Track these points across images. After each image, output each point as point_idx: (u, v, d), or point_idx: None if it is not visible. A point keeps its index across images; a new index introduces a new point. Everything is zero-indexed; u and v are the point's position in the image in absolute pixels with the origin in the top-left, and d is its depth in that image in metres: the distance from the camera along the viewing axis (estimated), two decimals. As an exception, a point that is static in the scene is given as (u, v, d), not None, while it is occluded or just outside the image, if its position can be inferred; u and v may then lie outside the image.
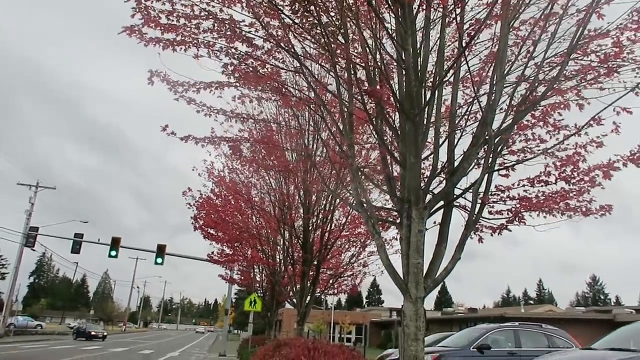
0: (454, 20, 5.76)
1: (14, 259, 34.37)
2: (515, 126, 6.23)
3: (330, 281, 17.70)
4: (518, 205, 6.56)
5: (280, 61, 7.28)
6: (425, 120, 6.13)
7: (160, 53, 6.62)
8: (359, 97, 6.50)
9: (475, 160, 6.26)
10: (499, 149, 6.26)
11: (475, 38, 6.27)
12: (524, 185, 6.56)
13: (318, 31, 6.26)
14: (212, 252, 19.71)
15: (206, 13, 6.44)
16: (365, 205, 6.42)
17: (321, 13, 5.81)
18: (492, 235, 6.70)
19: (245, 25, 6.74)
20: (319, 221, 13.38)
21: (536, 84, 6.14)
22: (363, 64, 6.58)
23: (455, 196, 6.27)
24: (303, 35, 6.65)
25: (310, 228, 13.41)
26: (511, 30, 6.34)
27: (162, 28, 6.47)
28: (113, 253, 27.23)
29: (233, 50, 6.92)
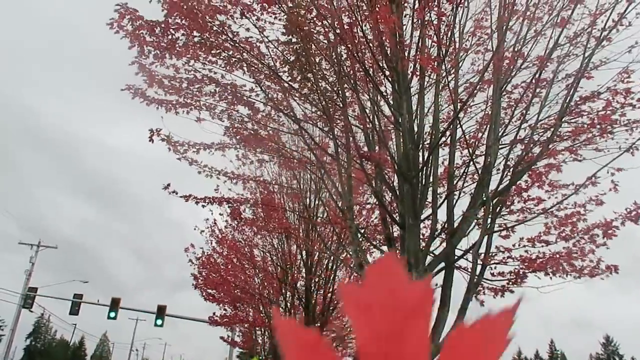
0: (447, 86, 5.94)
1: (10, 321, 33.67)
2: (513, 187, 6.26)
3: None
4: (521, 266, 6.48)
5: (280, 124, 7.46)
6: (424, 181, 6.19)
7: (162, 116, 6.82)
8: (358, 160, 6.60)
9: (475, 221, 6.26)
10: (498, 209, 6.27)
11: (470, 102, 6.44)
12: (524, 246, 6.51)
13: (316, 96, 6.46)
14: (214, 313, 19.30)
15: (208, 79, 6.68)
16: (365, 267, 6.34)
17: (319, 80, 6.01)
18: (494, 297, 6.57)
19: (246, 90, 6.97)
20: (321, 281, 13.19)
21: (531, 146, 6.23)
22: (361, 127, 6.74)
23: (455, 258, 6.21)
24: (302, 98, 6.86)
25: (312, 289, 13.19)
26: (504, 94, 6.52)
27: (165, 90, 6.69)
28: (112, 314, 26.68)
29: (234, 112, 7.12)
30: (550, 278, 6.40)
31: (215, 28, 6.39)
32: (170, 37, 6.16)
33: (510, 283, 6.42)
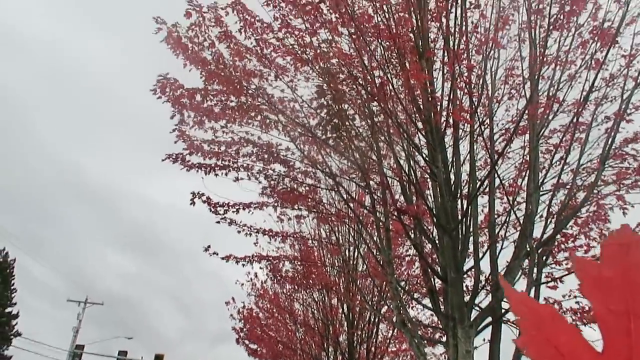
0: (482, 135, 5.91)
1: (59, 379, 34.06)
2: (559, 235, 6.05)
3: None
4: (573, 318, 6.15)
5: (317, 179, 7.56)
6: (464, 232, 6.07)
7: (203, 177, 7.04)
8: (395, 212, 6.56)
9: (520, 272, 6.03)
10: (544, 259, 6.04)
11: (506, 150, 6.36)
12: (576, 297, 6.20)
13: (351, 151, 6.54)
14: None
15: (245, 140, 6.90)
16: (408, 324, 6.18)
17: (353, 137, 6.11)
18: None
19: (282, 149, 7.14)
20: (364, 335, 12.84)
21: (574, 191, 6.05)
22: (397, 178, 6.73)
23: (503, 311, 5.96)
24: (337, 155, 6.96)
25: (355, 343, 12.84)
26: (541, 139, 6.42)
27: (204, 154, 6.94)
28: (156, 371, 26.64)
29: (271, 171, 7.28)
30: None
31: (251, 91, 6.65)
32: (209, 102, 6.44)
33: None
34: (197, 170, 6.94)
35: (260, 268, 16.20)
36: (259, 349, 16.51)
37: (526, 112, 5.58)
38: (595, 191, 6.00)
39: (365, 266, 10.40)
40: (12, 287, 42.12)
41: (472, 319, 5.61)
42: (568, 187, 6.10)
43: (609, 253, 0.38)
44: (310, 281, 11.61)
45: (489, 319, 5.82)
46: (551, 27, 6.04)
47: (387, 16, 6.05)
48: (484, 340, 6.06)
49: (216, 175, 7.00)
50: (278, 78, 6.56)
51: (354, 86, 6.10)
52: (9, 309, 41.19)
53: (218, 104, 6.51)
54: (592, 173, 6.17)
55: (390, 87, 5.85)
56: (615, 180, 6.06)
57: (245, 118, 6.64)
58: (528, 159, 6.26)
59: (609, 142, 5.76)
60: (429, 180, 6.78)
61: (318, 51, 6.06)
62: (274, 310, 16.06)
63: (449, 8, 5.96)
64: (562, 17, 6.14)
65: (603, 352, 0.36)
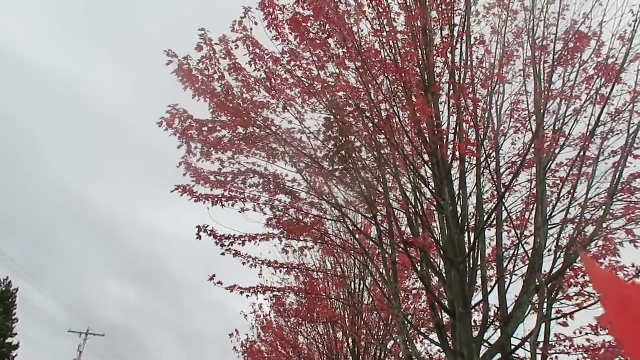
0: (489, 168, 5.92)
1: (57, 413, 33.35)
2: (568, 270, 5.97)
3: None
4: (584, 356, 6.00)
5: (322, 211, 7.54)
6: (471, 265, 6.00)
7: (209, 208, 7.05)
8: (402, 244, 6.51)
9: (530, 307, 5.93)
10: (554, 295, 5.94)
11: (513, 183, 6.35)
12: (587, 334, 6.06)
13: (357, 183, 6.55)
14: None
15: (252, 172, 6.93)
16: (414, 359, 6.05)
17: (359, 169, 6.13)
18: (559, 391, 6.05)
19: (289, 180, 7.17)
20: (369, 370, 12.55)
21: (583, 225, 6.00)
22: (403, 210, 6.71)
23: (512, 348, 5.83)
24: (343, 186, 6.97)
25: (360, 378, 12.54)
26: (548, 173, 6.42)
27: (211, 185, 6.97)
28: (156, 406, 25.96)
29: (277, 202, 7.28)
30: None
31: (259, 122, 6.73)
32: (217, 134, 6.52)
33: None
34: (204, 202, 6.95)
35: (265, 300, 16.03)
36: (262, 385, 16.14)
37: (532, 145, 5.60)
38: (604, 225, 5.95)
39: (371, 299, 10.26)
40: (13, 317, 41.73)
41: (481, 356, 5.49)
42: (577, 221, 6.05)
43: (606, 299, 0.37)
44: (315, 314, 11.44)
45: (499, 356, 5.69)
46: (556, 62, 6.13)
47: (393, 51, 6.17)
48: (494, 378, 5.90)
49: (223, 206, 7.01)
50: (286, 110, 6.64)
51: (361, 118, 6.16)
52: (9, 340, 40.70)
53: (226, 136, 6.58)
54: (600, 207, 6.13)
55: (397, 120, 5.90)
56: (624, 214, 6.02)
57: (253, 149, 6.70)
58: (535, 192, 6.24)
59: (617, 177, 5.75)
60: (435, 213, 6.76)
61: (325, 84, 6.15)
62: (278, 343, 15.79)
63: (455, 44, 6.07)
64: (566, 54, 6.23)
65: None
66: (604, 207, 5.90)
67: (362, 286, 11.33)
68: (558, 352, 6.06)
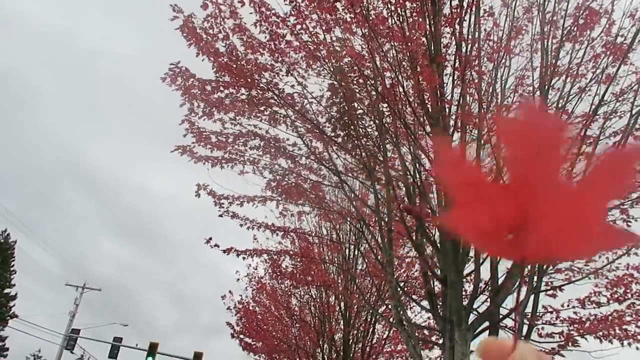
0: (490, 142, 5.94)
1: (52, 362, 34.16)
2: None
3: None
4: (570, 329, 6.19)
5: (321, 176, 7.60)
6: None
7: (208, 169, 7.09)
8: (398, 212, 6.60)
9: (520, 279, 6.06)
10: (545, 267, 6.07)
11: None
12: (574, 307, 6.23)
13: (358, 150, 6.59)
14: (250, 363, 19.08)
15: (253, 134, 6.95)
16: (405, 324, 6.23)
17: (361, 136, 6.15)
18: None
19: (289, 144, 7.19)
20: (359, 334, 12.89)
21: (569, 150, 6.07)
22: (402, 180, 6.78)
23: (500, 317, 6.00)
24: (344, 152, 7.01)
25: (350, 342, 12.89)
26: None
27: (212, 146, 6.99)
28: (150, 359, 26.68)
29: (277, 166, 7.33)
30: (600, 342, 6.08)
31: (262, 85, 6.71)
32: (219, 94, 6.49)
33: (560, 347, 6.12)
34: (204, 163, 6.99)
35: (261, 262, 16.26)
36: (254, 343, 16.56)
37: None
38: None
39: (365, 265, 10.46)
40: (11, 269, 42.34)
41: (469, 323, 5.66)
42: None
43: (524, 115, 0.48)
44: (309, 278, 11.66)
45: (487, 324, 5.87)
46: (564, 38, 6.07)
47: (401, 19, 6.10)
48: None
49: (222, 167, 7.05)
50: (289, 73, 6.60)
51: (365, 86, 6.15)
52: (7, 290, 41.41)
53: (228, 96, 6.56)
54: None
55: (401, 89, 5.89)
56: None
57: (255, 111, 6.70)
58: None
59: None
60: (433, 183, 6.82)
61: (331, 49, 6.11)
62: (271, 305, 16.13)
63: (463, 15, 6.00)
64: (575, 30, 6.17)
65: (504, 187, 0.46)
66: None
67: (356, 252, 11.52)
68: (544, 322, 6.25)
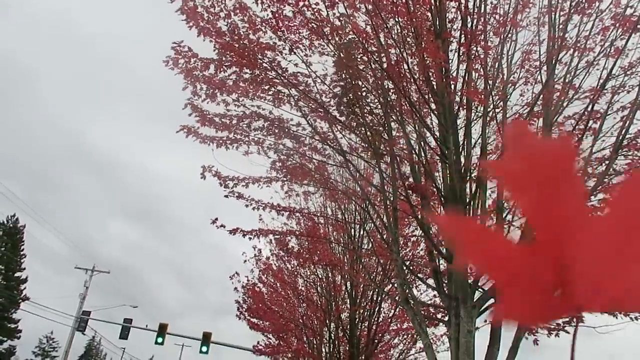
0: (495, 119, 5.88)
1: (64, 343, 34.82)
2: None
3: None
4: (576, 305, 6.19)
5: (326, 156, 7.57)
6: (471, 214, 6.08)
7: (213, 150, 7.08)
8: (403, 191, 6.58)
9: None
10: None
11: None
12: (580, 283, 6.22)
13: (363, 129, 6.54)
14: (258, 342, 19.34)
15: (257, 115, 6.91)
16: (411, 301, 6.26)
17: (366, 114, 6.10)
18: (548, 336, 6.29)
19: (293, 124, 7.15)
20: (366, 313, 13.01)
21: (585, 179, 6.02)
22: (407, 159, 6.74)
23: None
24: (348, 131, 6.96)
25: (357, 320, 13.02)
26: (555, 126, 6.37)
27: (216, 127, 6.96)
28: (160, 340, 27.07)
29: (281, 146, 7.30)
30: (607, 316, 6.09)
31: (265, 64, 6.64)
32: (222, 74, 6.44)
33: (565, 322, 6.13)
34: (209, 143, 6.96)
35: (266, 243, 16.34)
36: (261, 323, 16.77)
37: (541, 96, 5.54)
38: (605, 180, 5.97)
39: (370, 244, 10.48)
40: (21, 253, 42.88)
41: (475, 300, 5.67)
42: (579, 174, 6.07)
43: (510, 146, 0.41)
44: (315, 257, 11.72)
45: (492, 301, 5.87)
46: (572, 10, 5.95)
47: (405, -6, 5.98)
48: (486, 321, 6.12)
49: (227, 148, 7.03)
50: (292, 52, 6.52)
51: (369, 63, 6.07)
52: (18, 274, 42.02)
53: (231, 76, 6.50)
54: (603, 162, 6.14)
55: (405, 66, 5.81)
56: (627, 169, 6.03)
57: (258, 91, 6.64)
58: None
59: (623, 132, 5.72)
60: (438, 162, 6.78)
61: (334, 26, 6.02)
62: (278, 285, 16.27)
63: (469, -12, 5.88)
64: (584, 1, 6.04)
65: (534, 245, 0.39)
66: (607, 162, 5.91)
67: (362, 232, 11.55)
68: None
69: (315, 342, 16.60)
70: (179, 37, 6.51)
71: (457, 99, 5.80)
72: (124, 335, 28.87)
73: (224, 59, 6.36)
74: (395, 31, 6.06)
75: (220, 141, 6.84)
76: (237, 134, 6.90)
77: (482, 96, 5.34)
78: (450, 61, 6.12)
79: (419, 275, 7.43)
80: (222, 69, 6.34)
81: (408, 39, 5.95)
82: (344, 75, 6.24)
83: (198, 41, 6.47)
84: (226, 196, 7.34)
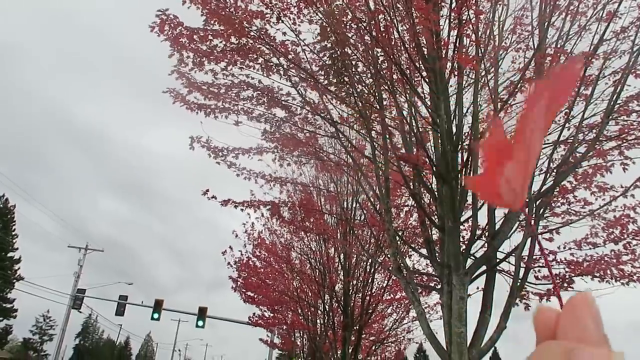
0: (487, 85, 5.81)
1: (61, 321, 35.03)
2: (557, 188, 6.06)
3: (373, 347, 17.06)
4: (566, 270, 6.26)
5: (317, 127, 7.49)
6: (463, 182, 6.07)
7: (202, 121, 6.97)
8: (395, 162, 6.54)
9: (518, 223, 6.08)
10: (541, 211, 6.08)
11: (510, 101, 6.27)
12: (570, 249, 6.28)
13: (353, 99, 6.45)
14: (253, 314, 19.55)
15: (245, 84, 6.78)
16: (404, 270, 6.28)
17: (355, 84, 6.00)
18: (540, 302, 6.36)
19: (283, 94, 7.04)
20: (359, 284, 13.14)
21: (576, 145, 6.02)
22: (398, 129, 6.68)
23: (497, 261, 6.06)
24: (339, 101, 6.87)
25: (350, 292, 13.15)
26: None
27: (205, 95, 6.83)
28: (156, 315, 27.29)
29: (271, 116, 7.20)
30: (599, 282, 6.16)
31: (253, 33, 6.48)
32: (209, 43, 6.28)
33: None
34: (197, 112, 6.84)
35: (257, 218, 16.30)
36: (256, 296, 16.90)
37: (533, 61, 5.47)
38: (595, 146, 5.97)
39: (363, 216, 10.50)
40: (13, 232, 42.70)
41: (467, 267, 5.71)
42: (570, 141, 6.06)
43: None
44: (308, 224, 11.73)
45: (484, 268, 5.92)
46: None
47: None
48: (478, 288, 6.19)
49: (216, 117, 6.92)
50: (280, 20, 6.37)
51: (358, 31, 5.94)
52: (10, 254, 41.92)
53: (219, 45, 6.36)
54: (594, 129, 6.12)
55: (395, 32, 5.70)
56: (618, 135, 6.02)
57: (246, 60, 6.51)
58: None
59: (615, 97, 5.68)
60: (430, 132, 6.72)
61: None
62: (271, 258, 16.34)
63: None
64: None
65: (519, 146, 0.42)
66: (598, 128, 5.90)
67: (354, 203, 11.56)
68: (541, 265, 6.31)
69: (309, 314, 16.80)
70: (164, 5, 6.33)
71: (449, 65, 5.71)
72: (120, 312, 29.05)
73: (209, 27, 6.20)
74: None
75: (209, 109, 6.72)
76: (225, 102, 6.78)
77: (474, 62, 5.26)
78: (441, 28, 6.01)
79: (411, 245, 7.45)
80: (208, 38, 6.18)
81: (398, 4, 5.82)
82: (331, 44, 6.11)
83: (183, 10, 6.30)
84: (217, 163, 7.25)
